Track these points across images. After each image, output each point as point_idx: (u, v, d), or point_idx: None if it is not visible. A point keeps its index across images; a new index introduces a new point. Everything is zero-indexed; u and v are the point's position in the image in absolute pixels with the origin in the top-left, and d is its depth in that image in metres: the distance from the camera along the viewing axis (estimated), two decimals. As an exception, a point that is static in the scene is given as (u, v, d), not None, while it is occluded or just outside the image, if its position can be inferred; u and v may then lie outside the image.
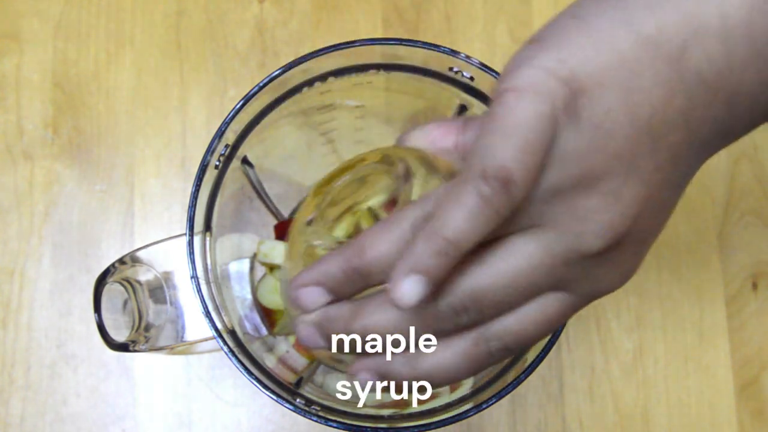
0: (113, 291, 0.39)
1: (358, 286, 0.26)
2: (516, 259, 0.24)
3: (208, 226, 0.37)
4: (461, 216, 0.22)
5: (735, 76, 0.22)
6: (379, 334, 0.25)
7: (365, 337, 0.25)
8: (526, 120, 0.22)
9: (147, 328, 0.38)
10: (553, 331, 0.26)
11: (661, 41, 0.22)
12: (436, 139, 0.28)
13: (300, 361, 0.45)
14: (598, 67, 0.22)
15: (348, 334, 0.25)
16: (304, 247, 0.30)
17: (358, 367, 0.26)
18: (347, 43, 0.35)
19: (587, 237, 0.23)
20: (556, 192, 0.23)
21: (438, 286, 0.23)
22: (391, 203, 0.30)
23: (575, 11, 0.23)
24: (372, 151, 0.31)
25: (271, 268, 0.47)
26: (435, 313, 0.24)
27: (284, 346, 0.46)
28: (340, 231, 0.31)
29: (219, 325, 0.35)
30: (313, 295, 0.26)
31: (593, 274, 0.24)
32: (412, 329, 0.26)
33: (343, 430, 0.34)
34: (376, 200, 0.31)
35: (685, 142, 0.23)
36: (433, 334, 0.25)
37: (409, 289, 0.22)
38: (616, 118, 0.22)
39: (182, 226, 0.36)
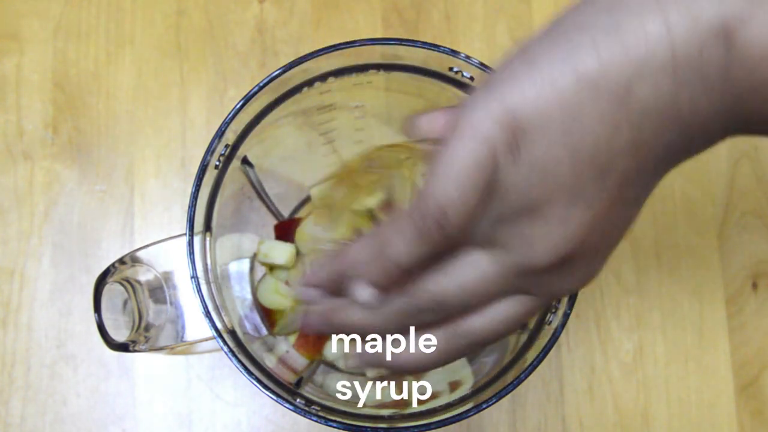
0: (113, 291, 0.39)
1: (343, 289, 0.29)
2: (471, 270, 0.26)
3: (208, 226, 0.37)
4: (401, 243, 0.25)
5: (685, 107, 0.23)
6: (355, 327, 0.29)
7: (345, 330, 0.30)
8: (463, 163, 0.23)
9: (147, 328, 0.38)
10: (520, 326, 0.30)
11: (604, 80, 0.22)
12: (441, 126, 0.30)
13: (300, 361, 0.45)
14: (538, 108, 0.23)
15: (333, 326, 0.30)
16: (308, 252, 0.33)
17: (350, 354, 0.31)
18: (347, 43, 0.35)
19: (534, 257, 0.25)
20: (502, 219, 0.25)
21: (388, 290, 0.27)
22: (388, 203, 0.34)
23: (525, 52, 0.24)
24: (353, 158, 0.33)
25: (271, 268, 0.47)
26: (403, 312, 0.28)
27: (284, 346, 0.46)
28: (341, 233, 0.34)
29: (219, 325, 0.35)
30: (311, 294, 0.31)
31: (549, 281, 0.27)
32: (412, 329, 0.29)
33: (343, 430, 0.34)
34: (372, 202, 0.33)
35: (635, 168, 0.24)
36: (404, 329, 0.29)
37: (362, 293, 0.27)
38: (556, 156, 0.23)
39: (182, 226, 0.36)
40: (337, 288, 0.30)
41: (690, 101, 0.23)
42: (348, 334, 0.30)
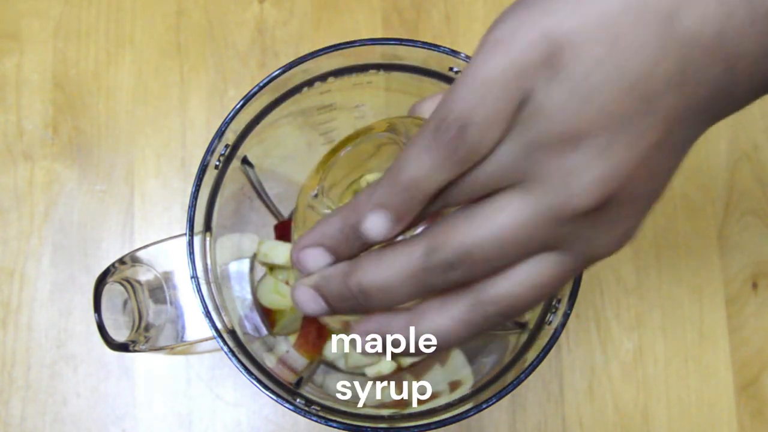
0: (113, 291, 0.39)
1: (356, 246, 0.26)
2: (503, 215, 0.24)
3: (208, 226, 0.37)
4: (417, 157, 0.23)
5: (733, 37, 0.22)
6: (373, 290, 0.26)
7: (361, 296, 0.26)
8: (494, 70, 0.22)
9: (147, 328, 0.38)
10: (550, 295, 0.26)
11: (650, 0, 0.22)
12: None
13: (300, 361, 0.45)
14: (582, 24, 0.22)
15: (344, 293, 0.26)
16: (310, 217, 0.30)
17: (359, 329, 0.27)
18: (347, 43, 0.35)
19: (574, 194, 0.23)
20: (540, 146, 0.23)
21: (405, 223, 0.24)
22: None
23: None
24: (378, 121, 0.31)
25: (271, 268, 0.47)
26: (426, 269, 0.25)
27: (284, 346, 0.46)
28: (346, 200, 0.31)
29: (219, 325, 0.35)
30: (314, 256, 0.27)
31: (586, 234, 0.24)
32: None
33: (343, 430, 0.34)
34: (381, 169, 0.31)
35: (681, 105, 0.23)
36: (426, 291, 0.25)
37: (373, 222, 0.24)
38: (601, 74, 0.22)
39: (182, 226, 0.36)
40: (346, 248, 0.26)
41: (737, 34, 0.22)
42: (359, 310, 0.27)
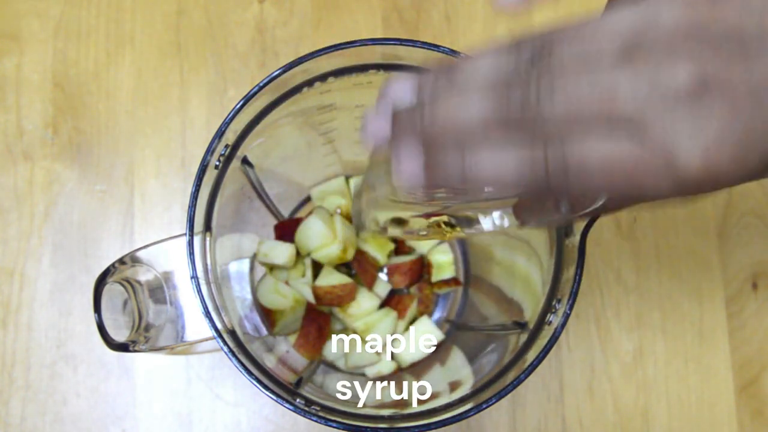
0: (113, 291, 0.39)
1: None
2: (606, 15, 0.23)
3: (208, 226, 0.37)
4: None
5: None
6: (455, 117, 0.24)
7: (428, 111, 0.24)
8: None
9: (147, 328, 0.38)
10: (616, 187, 0.24)
11: None
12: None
13: (300, 361, 0.45)
14: None
15: (413, 112, 0.25)
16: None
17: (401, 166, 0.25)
18: (347, 43, 0.35)
19: (673, 67, 0.22)
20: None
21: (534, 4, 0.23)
22: None
23: None
24: None
25: (271, 268, 0.47)
26: (513, 74, 0.23)
27: (284, 346, 0.46)
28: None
29: (219, 325, 0.35)
30: (402, 86, 0.25)
31: (671, 114, 0.23)
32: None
33: (343, 430, 0.34)
34: None
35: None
36: (500, 115, 0.24)
37: None
38: None
39: (182, 226, 0.36)
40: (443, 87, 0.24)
41: None
42: (420, 132, 0.24)
